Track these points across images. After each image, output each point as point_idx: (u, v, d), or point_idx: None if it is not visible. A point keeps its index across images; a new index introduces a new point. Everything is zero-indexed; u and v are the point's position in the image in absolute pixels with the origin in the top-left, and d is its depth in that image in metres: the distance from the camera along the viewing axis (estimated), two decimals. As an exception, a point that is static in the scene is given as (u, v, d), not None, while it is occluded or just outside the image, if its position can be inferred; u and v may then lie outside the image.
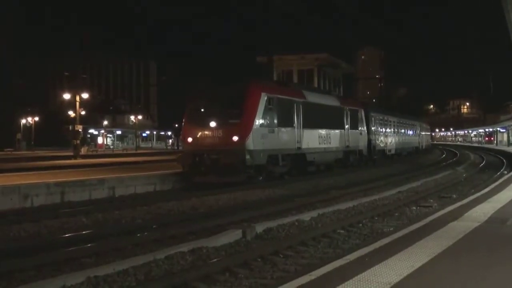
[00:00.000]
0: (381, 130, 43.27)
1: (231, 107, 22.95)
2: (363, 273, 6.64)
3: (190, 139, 23.12)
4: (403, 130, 54.61)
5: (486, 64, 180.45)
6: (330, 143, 30.59)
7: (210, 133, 22.60)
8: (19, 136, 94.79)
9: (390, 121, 47.70)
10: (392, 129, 48.01)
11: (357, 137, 35.45)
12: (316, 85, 58.12)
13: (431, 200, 19.25)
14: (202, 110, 23.91)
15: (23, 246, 11.28)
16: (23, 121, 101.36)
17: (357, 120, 35.70)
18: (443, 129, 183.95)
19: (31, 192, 17.93)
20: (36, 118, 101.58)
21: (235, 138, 21.91)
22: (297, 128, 26.29)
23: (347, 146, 33.31)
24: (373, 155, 39.64)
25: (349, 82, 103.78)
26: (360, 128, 36.15)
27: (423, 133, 70.80)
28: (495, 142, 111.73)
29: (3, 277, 8.82)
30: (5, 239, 12.22)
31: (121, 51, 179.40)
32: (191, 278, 8.54)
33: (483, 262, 7.41)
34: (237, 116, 22.44)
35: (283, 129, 24.87)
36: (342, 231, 13.04)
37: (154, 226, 13.79)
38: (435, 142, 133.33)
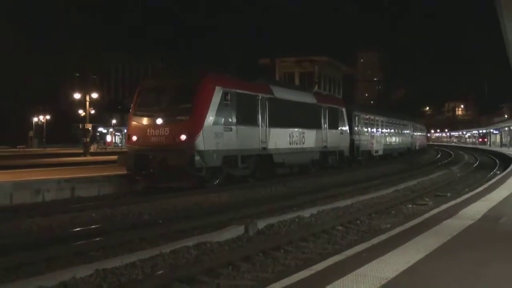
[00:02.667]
0: (366, 130, 39.94)
1: (180, 102, 19.72)
2: (360, 268, 6.65)
3: (134, 138, 19.94)
4: (393, 130, 51.15)
5: (482, 68, 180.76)
6: (303, 143, 27.24)
7: (156, 131, 19.31)
8: (31, 133, 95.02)
9: (378, 121, 44.18)
10: (379, 129, 44.51)
11: (337, 137, 32.05)
12: (316, 87, 57.53)
13: (427, 199, 19.25)
14: (149, 104, 20.44)
15: (35, 239, 11.31)
16: (35, 119, 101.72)
17: (338, 119, 32.19)
18: (438, 130, 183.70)
19: (42, 188, 17.99)
20: (48, 117, 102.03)
21: (183, 137, 18.77)
22: (261, 127, 23.05)
23: (325, 147, 30.01)
24: (356, 156, 36.56)
25: (349, 84, 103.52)
26: (341, 128, 32.68)
27: (417, 133, 67.72)
28: (488, 143, 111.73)
29: (14, 269, 8.84)
30: (17, 233, 12.26)
31: (130, 52, 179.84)
32: (196, 271, 8.56)
33: (477, 259, 7.40)
34: (186, 112, 19.23)
35: (243, 127, 21.50)
36: (340, 228, 13.05)
37: (160, 221, 13.80)
38: (430, 142, 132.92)
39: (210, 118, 19.45)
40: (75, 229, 12.55)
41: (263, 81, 25.36)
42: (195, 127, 18.88)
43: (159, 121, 19.32)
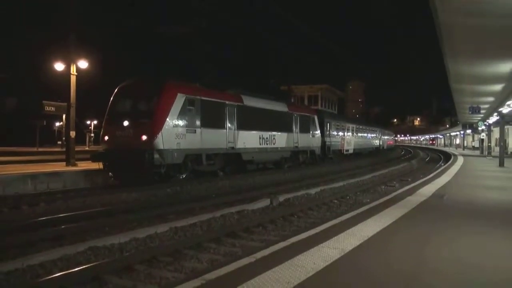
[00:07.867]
0: (337, 133, 34.41)
1: (145, 106, 16.22)
2: (350, 229, 6.56)
3: (106, 138, 16.17)
4: (362, 134, 44.93)
5: (432, 91, 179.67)
6: (274, 143, 22.65)
7: (123, 132, 15.69)
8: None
9: (348, 127, 38.82)
10: (350, 133, 38.68)
11: (308, 139, 27.00)
12: (319, 106, 56.81)
13: (395, 182, 19.04)
14: (120, 107, 16.67)
15: (129, 206, 11.42)
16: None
17: (309, 125, 27.09)
18: (402, 135, 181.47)
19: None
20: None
21: (144, 137, 15.14)
22: (229, 129, 18.94)
23: (296, 147, 25.13)
24: (327, 154, 31.36)
25: (342, 104, 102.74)
26: (312, 131, 27.48)
27: (385, 137, 61.61)
28: (436, 144, 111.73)
29: (116, 226, 8.93)
30: (118, 202, 12.40)
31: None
32: (237, 229, 8.55)
33: (428, 221, 7.31)
34: (148, 115, 15.52)
35: (209, 129, 17.49)
36: (336, 201, 12.95)
37: (213, 195, 13.82)
38: (397, 144, 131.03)
39: (171, 121, 15.73)
40: (156, 200, 12.66)
41: (234, 91, 20.76)
42: (155, 128, 15.32)
43: (126, 123, 15.73)
